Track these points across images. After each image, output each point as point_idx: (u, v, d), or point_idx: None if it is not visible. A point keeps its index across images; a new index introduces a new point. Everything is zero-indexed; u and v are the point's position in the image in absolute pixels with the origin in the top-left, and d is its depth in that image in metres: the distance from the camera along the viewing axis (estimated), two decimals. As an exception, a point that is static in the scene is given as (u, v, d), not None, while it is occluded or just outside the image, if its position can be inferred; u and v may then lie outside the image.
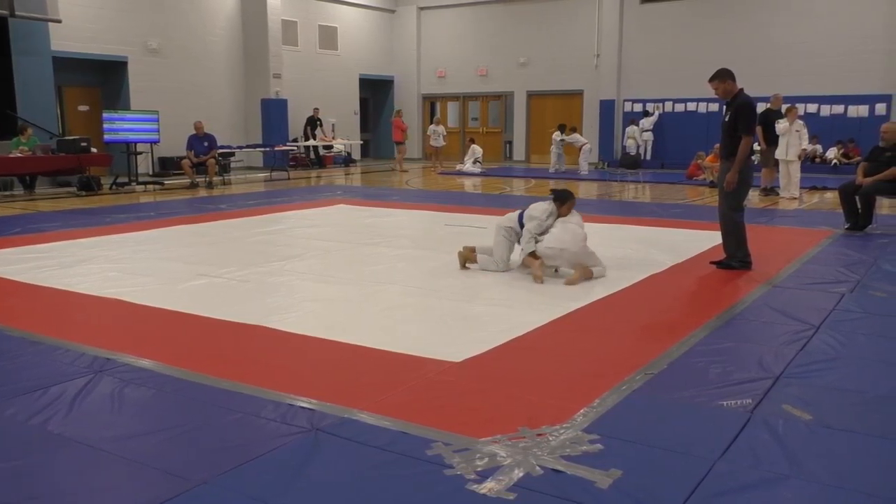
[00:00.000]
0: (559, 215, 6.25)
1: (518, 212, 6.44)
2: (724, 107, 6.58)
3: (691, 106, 18.97)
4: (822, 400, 3.48)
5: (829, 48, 17.06)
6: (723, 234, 6.62)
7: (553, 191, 6.49)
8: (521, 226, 6.28)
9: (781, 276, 6.18)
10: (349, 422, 3.22)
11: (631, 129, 19.21)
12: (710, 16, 18.58)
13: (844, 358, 4.09)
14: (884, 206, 9.75)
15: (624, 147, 19.25)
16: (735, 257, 6.51)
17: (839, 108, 17.28)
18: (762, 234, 8.48)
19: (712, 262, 6.63)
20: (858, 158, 13.66)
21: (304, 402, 3.45)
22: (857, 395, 3.53)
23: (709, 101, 18.51)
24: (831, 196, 11.23)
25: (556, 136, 18.19)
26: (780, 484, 2.67)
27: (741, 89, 6.48)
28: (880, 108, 16.68)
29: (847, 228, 8.64)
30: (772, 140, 12.18)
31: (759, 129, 12.75)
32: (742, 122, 6.30)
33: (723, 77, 6.40)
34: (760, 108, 10.20)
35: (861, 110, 16.95)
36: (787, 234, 8.56)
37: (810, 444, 3.00)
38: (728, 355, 4.14)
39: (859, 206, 8.63)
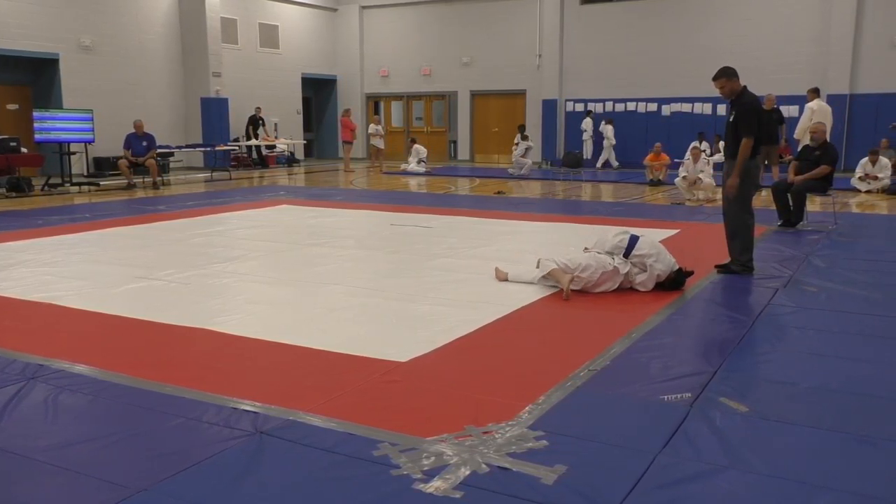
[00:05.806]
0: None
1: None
2: (729, 106, 6.35)
3: (631, 106, 19.32)
4: (758, 392, 3.59)
5: (763, 50, 17.60)
6: (728, 236, 6.37)
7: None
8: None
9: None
10: (294, 424, 3.19)
11: (606, 128, 19.40)
12: (649, 17, 18.95)
13: (778, 351, 4.23)
14: (815, 203, 10.10)
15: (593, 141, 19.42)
16: (737, 261, 6.26)
17: (771, 108, 17.83)
18: (699, 230, 8.70)
19: (716, 266, 6.35)
20: (790, 157, 14.10)
21: (247, 406, 3.39)
22: (790, 387, 3.65)
23: (648, 101, 18.91)
24: (765, 194, 11.57)
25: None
26: (719, 475, 2.74)
27: (745, 87, 6.22)
28: (810, 109, 17.27)
29: (780, 225, 8.92)
30: (766, 139, 12.52)
31: None
32: (743, 124, 6.08)
33: (730, 76, 6.15)
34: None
35: (792, 110, 17.49)
36: (722, 231, 8.75)
37: (747, 435, 3.09)
38: (669, 350, 4.24)
39: (791, 203, 8.93)
